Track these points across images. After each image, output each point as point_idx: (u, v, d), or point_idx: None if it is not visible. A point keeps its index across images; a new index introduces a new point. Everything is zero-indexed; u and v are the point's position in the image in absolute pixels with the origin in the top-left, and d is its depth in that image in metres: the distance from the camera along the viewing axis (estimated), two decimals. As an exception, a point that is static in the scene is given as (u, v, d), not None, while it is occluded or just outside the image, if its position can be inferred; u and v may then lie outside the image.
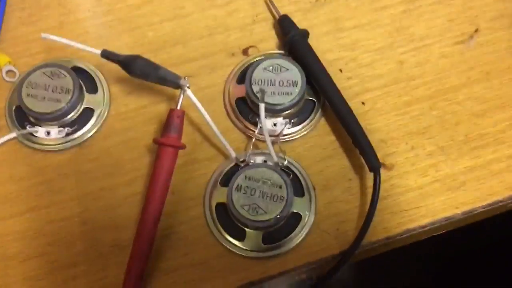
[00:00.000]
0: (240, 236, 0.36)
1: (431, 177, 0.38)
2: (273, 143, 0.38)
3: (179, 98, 0.37)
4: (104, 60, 0.39)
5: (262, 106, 0.37)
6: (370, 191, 0.38)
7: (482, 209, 0.38)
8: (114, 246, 0.37)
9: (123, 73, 0.39)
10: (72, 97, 0.39)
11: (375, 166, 0.37)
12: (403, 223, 0.37)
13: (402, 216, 0.37)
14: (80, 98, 0.40)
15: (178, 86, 0.37)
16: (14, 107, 0.41)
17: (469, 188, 0.38)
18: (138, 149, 0.40)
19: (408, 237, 0.38)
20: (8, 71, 0.43)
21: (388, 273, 1.06)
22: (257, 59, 0.43)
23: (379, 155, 0.38)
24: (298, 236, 0.36)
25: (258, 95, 0.38)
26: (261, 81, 0.39)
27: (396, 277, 1.11)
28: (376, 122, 0.40)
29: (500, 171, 0.38)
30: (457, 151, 0.39)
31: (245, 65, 0.42)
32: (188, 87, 0.37)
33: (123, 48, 0.43)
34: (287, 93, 0.38)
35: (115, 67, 0.39)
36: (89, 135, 0.40)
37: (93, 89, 0.42)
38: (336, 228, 0.37)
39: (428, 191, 0.38)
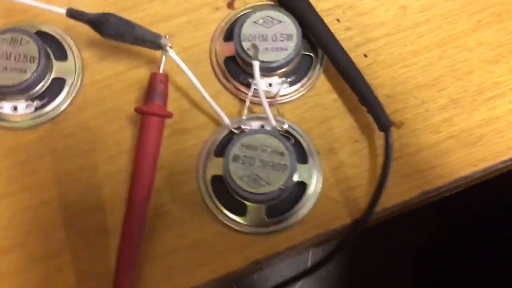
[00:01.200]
0: (241, 211, 0.33)
1: (445, 133, 0.35)
2: (270, 105, 0.34)
3: (161, 60, 0.32)
4: (72, 22, 0.34)
5: (256, 64, 0.32)
6: (380, 152, 0.34)
7: (502, 165, 0.35)
8: (100, 231, 0.33)
9: (95, 36, 0.34)
10: (38, 66, 0.34)
11: (385, 124, 0.33)
12: (418, 185, 0.34)
13: (416, 178, 0.34)
14: (48, 67, 0.35)
15: (159, 47, 0.32)
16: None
17: (487, 143, 0.35)
18: (119, 120, 0.36)
19: (423, 200, 0.35)
20: (-37, 41, 0.38)
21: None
22: (245, 12, 0.38)
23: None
24: (305, 207, 0.33)
25: (250, 52, 0.34)
26: (252, 36, 0.35)
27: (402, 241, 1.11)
28: (380, 76, 0.37)
29: (519, 122, 0.35)
30: (471, 103, 0.36)
31: (232, 20, 0.38)
32: (170, 47, 0.32)
33: (93, 7, 0.38)
34: (282, 48, 0.34)
35: (85, 30, 0.34)
36: (62, 108, 0.36)
37: (62, 56, 0.37)
38: (345, 195, 0.34)
39: (442, 149, 0.35)
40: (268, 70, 0.35)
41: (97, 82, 0.37)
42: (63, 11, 0.33)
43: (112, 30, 0.32)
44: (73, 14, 0.33)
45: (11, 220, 0.34)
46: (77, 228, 0.33)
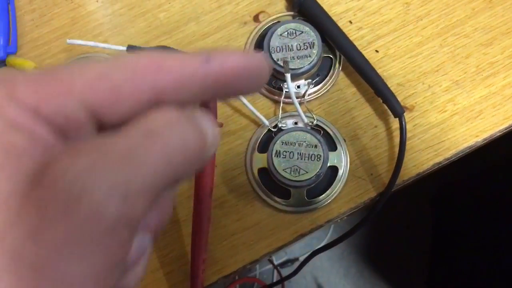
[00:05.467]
0: (286, 196, 0.40)
1: (450, 112, 0.41)
2: (299, 104, 0.41)
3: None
4: (125, 53, 0.41)
5: (288, 76, 0.39)
6: (396, 134, 0.41)
7: (500, 133, 0.41)
8: (173, 222, 0.41)
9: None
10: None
11: (399, 112, 0.39)
12: (430, 158, 0.40)
13: (428, 152, 0.41)
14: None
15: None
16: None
17: (486, 116, 0.41)
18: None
19: (436, 169, 0.41)
20: (35, 76, 0.44)
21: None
22: (269, 24, 0.44)
23: (399, 99, 0.41)
24: (338, 186, 0.40)
25: (281, 64, 0.40)
26: (279, 48, 0.41)
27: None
28: (391, 68, 0.43)
29: (513, 95, 0.41)
30: (471, 83, 0.42)
31: (259, 32, 0.44)
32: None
33: (140, 34, 0.45)
34: (306, 56, 0.40)
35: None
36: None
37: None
38: (370, 173, 0.41)
39: (449, 125, 0.41)
40: (295, 75, 0.41)
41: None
42: (123, 48, 0.39)
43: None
44: (132, 50, 0.39)
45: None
46: (154, 222, 0.41)
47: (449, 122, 0.41)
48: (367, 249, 1.25)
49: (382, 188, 0.40)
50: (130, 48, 0.39)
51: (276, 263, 1.06)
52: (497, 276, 0.84)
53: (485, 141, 0.41)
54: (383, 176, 0.40)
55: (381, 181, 0.40)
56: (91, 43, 0.40)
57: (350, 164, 0.41)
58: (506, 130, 0.41)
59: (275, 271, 1.06)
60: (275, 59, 0.40)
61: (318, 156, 0.38)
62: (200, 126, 0.16)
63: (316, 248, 0.49)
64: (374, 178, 0.40)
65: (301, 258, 1.16)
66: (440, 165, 0.41)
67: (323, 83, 0.42)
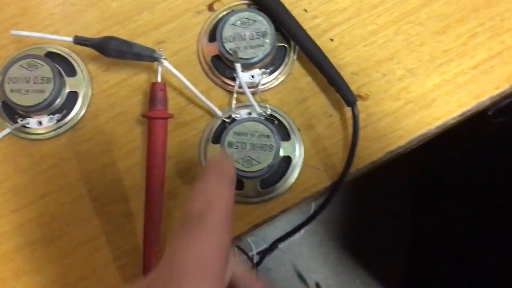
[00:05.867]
0: (239, 186, 0.39)
1: (404, 100, 0.41)
2: (253, 94, 0.40)
3: (158, 71, 0.38)
4: (76, 42, 0.40)
5: (238, 66, 0.38)
6: (350, 123, 0.41)
7: (453, 121, 0.41)
8: (126, 215, 0.40)
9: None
10: (54, 85, 0.40)
11: (351, 101, 0.39)
12: (384, 147, 0.40)
13: (382, 140, 0.41)
14: (62, 84, 0.41)
15: (155, 59, 0.38)
16: (0, 103, 0.42)
17: (439, 104, 0.41)
18: (128, 122, 0.42)
19: (390, 158, 0.41)
20: (-16, 68, 0.43)
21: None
22: (223, 13, 0.43)
23: (353, 88, 0.40)
24: (292, 176, 0.40)
25: (232, 53, 0.40)
26: (232, 37, 0.40)
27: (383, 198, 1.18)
28: (346, 56, 0.42)
29: (466, 83, 0.41)
30: (424, 71, 0.42)
31: (213, 22, 0.43)
32: (164, 59, 0.38)
33: (92, 24, 0.44)
34: (259, 45, 0.40)
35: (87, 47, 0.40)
36: (79, 117, 0.42)
37: (71, 72, 0.43)
38: (324, 162, 0.40)
39: (402, 113, 0.41)
40: (249, 65, 0.40)
41: (105, 91, 0.43)
42: (70, 39, 0.38)
43: (113, 51, 0.38)
44: (79, 41, 0.38)
45: (53, 215, 0.41)
46: (107, 216, 0.40)
47: (403, 110, 0.41)
48: (346, 236, 1.26)
49: (336, 177, 0.40)
50: (77, 39, 0.39)
51: (256, 251, 1.06)
52: (475, 262, 0.85)
53: (439, 129, 0.41)
54: (337, 165, 0.40)
55: (335, 170, 0.40)
56: (37, 34, 0.39)
57: (305, 153, 0.41)
58: (459, 118, 0.41)
59: (247, 259, 1.06)
60: (227, 49, 0.40)
61: (271, 146, 0.38)
62: None
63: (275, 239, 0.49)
64: (329, 168, 0.40)
65: (281, 246, 1.17)
66: (393, 154, 0.41)
67: (277, 72, 0.42)
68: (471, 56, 0.42)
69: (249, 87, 0.40)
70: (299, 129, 0.41)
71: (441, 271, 1.00)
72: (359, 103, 0.40)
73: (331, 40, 0.43)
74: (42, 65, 0.40)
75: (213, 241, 0.22)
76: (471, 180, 0.95)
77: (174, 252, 0.21)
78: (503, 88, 0.41)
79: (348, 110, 0.41)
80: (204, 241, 0.22)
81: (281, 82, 0.42)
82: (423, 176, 1.17)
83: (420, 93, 0.41)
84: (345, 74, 0.41)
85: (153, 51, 0.38)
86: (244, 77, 0.41)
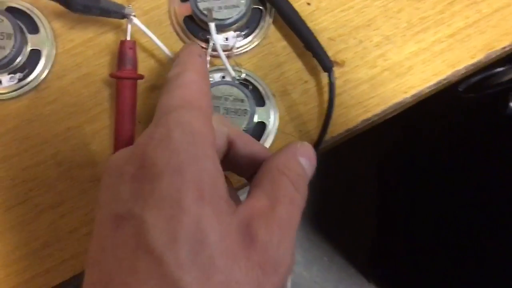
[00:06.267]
0: (212, 152, 0.38)
1: (380, 67, 0.41)
2: (227, 57, 0.39)
3: (127, 29, 0.36)
4: (39, -3, 0.38)
5: (212, 26, 0.37)
6: (326, 89, 0.40)
7: (428, 90, 0.41)
8: (93, 181, 0.39)
9: (61, 6, 0.37)
10: (15, 42, 0.37)
11: (328, 67, 0.38)
12: (359, 114, 0.40)
13: (358, 108, 0.40)
14: (24, 41, 0.39)
15: (124, 16, 0.36)
16: (-44, 61, 0.39)
17: (415, 72, 0.41)
18: (95, 83, 0.40)
19: (365, 126, 0.41)
20: None
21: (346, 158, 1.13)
22: (197, -28, 0.41)
23: (329, 53, 0.40)
24: (265, 142, 0.39)
25: (206, 13, 0.38)
26: (206, -4, 0.38)
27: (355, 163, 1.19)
28: (323, 21, 0.41)
29: (442, 51, 0.41)
30: (401, 38, 0.41)
31: (187, -19, 0.41)
32: (134, 15, 0.36)
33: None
34: (234, 6, 0.38)
35: (51, 2, 0.37)
36: (42, 77, 0.40)
37: (34, 29, 0.40)
38: (299, 129, 0.40)
39: (378, 81, 0.41)
40: (223, 27, 0.39)
41: (70, 50, 0.41)
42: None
43: (80, 5, 0.36)
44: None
45: (14, 180, 0.39)
46: (73, 181, 0.39)
47: (379, 77, 0.41)
48: (315, 212, 1.27)
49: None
50: None
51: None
52: (442, 237, 0.87)
53: (414, 98, 0.41)
54: (313, 133, 0.40)
55: (310, 138, 0.40)
56: (-5, -15, 0.36)
57: (280, 120, 0.40)
58: (434, 87, 0.41)
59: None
60: (201, 9, 0.38)
61: (245, 110, 0.37)
62: None
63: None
64: (304, 135, 0.40)
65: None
66: (369, 122, 0.40)
67: (253, 35, 0.40)
68: (448, 24, 0.41)
69: (223, 51, 0.39)
70: (274, 95, 0.40)
71: (407, 249, 1.03)
72: (335, 70, 0.40)
73: (308, 4, 0.42)
74: (2, 20, 0.38)
75: (192, 87, 0.27)
76: (439, 157, 0.96)
77: (161, 101, 0.27)
78: (478, 57, 0.41)
79: (324, 77, 0.40)
80: (184, 86, 0.27)
81: (256, 46, 0.41)
82: (391, 154, 1.19)
83: (396, 61, 0.41)
84: (322, 39, 0.40)
85: (123, 7, 0.36)
86: (218, 39, 0.39)
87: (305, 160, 0.28)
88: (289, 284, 0.27)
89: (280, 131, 0.39)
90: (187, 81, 0.27)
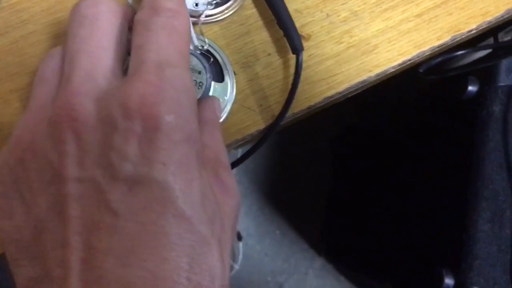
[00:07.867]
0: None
1: (346, 44, 0.40)
2: (194, 24, 0.37)
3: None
4: None
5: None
6: (291, 63, 0.38)
7: (393, 69, 0.40)
8: (38, 149, 0.36)
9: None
10: (-49, -8, 0.34)
11: (298, 49, 0.37)
12: (322, 91, 0.39)
13: (321, 85, 0.39)
14: (-38, -9, 0.35)
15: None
16: None
17: (381, 51, 0.40)
18: (43, 43, 0.37)
19: (327, 103, 0.40)
20: None
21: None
22: None
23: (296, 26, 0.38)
24: (222, 117, 0.37)
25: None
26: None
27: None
28: (290, -8, 0.40)
29: (409, 31, 0.40)
30: (369, 14, 0.40)
31: None
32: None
33: None
34: (200, -31, 0.36)
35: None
36: (-18, 33, 0.36)
37: (-26, -22, 0.36)
38: (260, 104, 0.38)
39: (344, 57, 0.39)
40: (191, -10, 0.36)
41: (15, 5, 0.37)
42: None
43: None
44: None
45: None
46: (15, 148, 0.36)
47: (344, 54, 0.39)
48: (269, 187, 1.27)
49: (271, 120, 0.38)
50: None
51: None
52: (389, 214, 0.89)
53: (378, 77, 0.40)
54: (274, 108, 0.38)
55: (271, 113, 0.38)
56: None
57: (240, 93, 0.38)
58: (399, 67, 0.40)
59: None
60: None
61: (200, 83, 0.35)
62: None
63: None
64: (264, 110, 0.38)
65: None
66: (331, 99, 0.39)
67: (224, 7, 0.38)
68: (416, 3, 0.40)
69: (191, 16, 0.37)
70: (235, 73, 0.38)
71: (356, 225, 1.05)
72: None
73: (276, -28, 0.40)
74: None
75: None
76: (394, 137, 0.98)
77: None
78: (444, 39, 0.40)
79: (288, 50, 0.38)
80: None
81: (228, 17, 0.38)
82: (345, 131, 1.20)
83: (363, 38, 0.40)
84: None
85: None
86: (187, 2, 0.36)
87: None
88: (240, 251, 0.28)
89: (239, 104, 0.38)
90: None
